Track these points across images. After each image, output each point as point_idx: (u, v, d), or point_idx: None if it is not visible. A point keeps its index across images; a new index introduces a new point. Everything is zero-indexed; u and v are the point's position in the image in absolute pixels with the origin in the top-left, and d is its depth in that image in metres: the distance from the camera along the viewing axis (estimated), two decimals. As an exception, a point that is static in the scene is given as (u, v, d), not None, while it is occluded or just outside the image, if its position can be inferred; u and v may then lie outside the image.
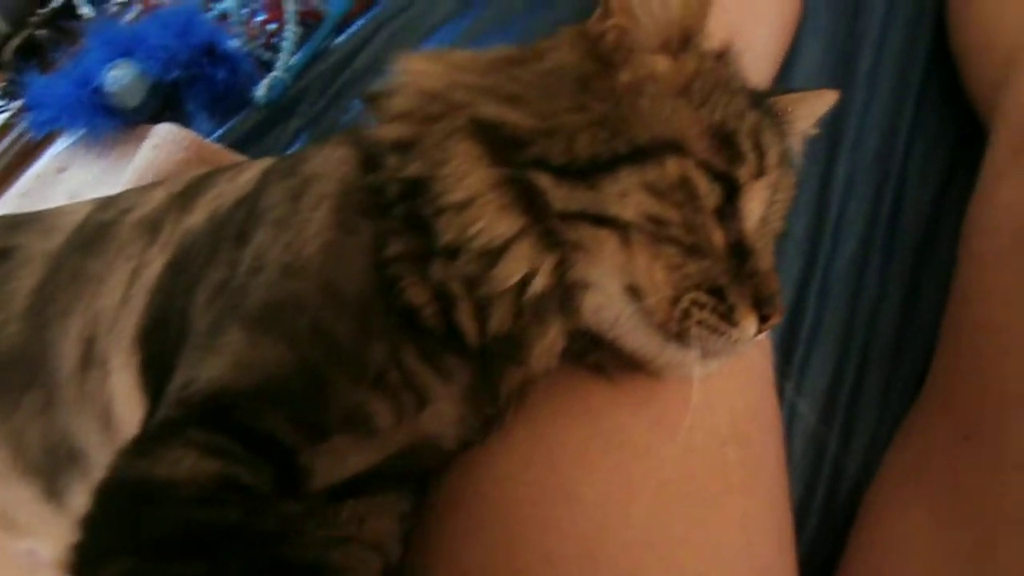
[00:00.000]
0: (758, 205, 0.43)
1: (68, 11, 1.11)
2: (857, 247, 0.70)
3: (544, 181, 0.40)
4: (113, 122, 0.91)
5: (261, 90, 0.87)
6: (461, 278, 0.41)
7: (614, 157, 0.40)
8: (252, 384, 0.39)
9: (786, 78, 0.77)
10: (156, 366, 0.44)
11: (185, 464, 0.36)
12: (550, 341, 0.43)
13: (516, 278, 0.41)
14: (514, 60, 0.45)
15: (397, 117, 0.44)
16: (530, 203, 0.41)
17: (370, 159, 0.45)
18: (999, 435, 0.50)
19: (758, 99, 0.47)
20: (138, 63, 0.89)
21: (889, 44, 0.78)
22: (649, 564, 0.45)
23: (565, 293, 0.42)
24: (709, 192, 0.41)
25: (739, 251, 0.42)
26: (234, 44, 0.93)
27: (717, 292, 0.41)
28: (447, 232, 0.41)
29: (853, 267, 0.70)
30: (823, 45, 0.78)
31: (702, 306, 0.41)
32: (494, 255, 0.41)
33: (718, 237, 0.42)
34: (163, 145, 0.84)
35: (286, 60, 0.89)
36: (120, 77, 0.88)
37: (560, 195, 0.40)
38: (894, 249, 0.70)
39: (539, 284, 0.41)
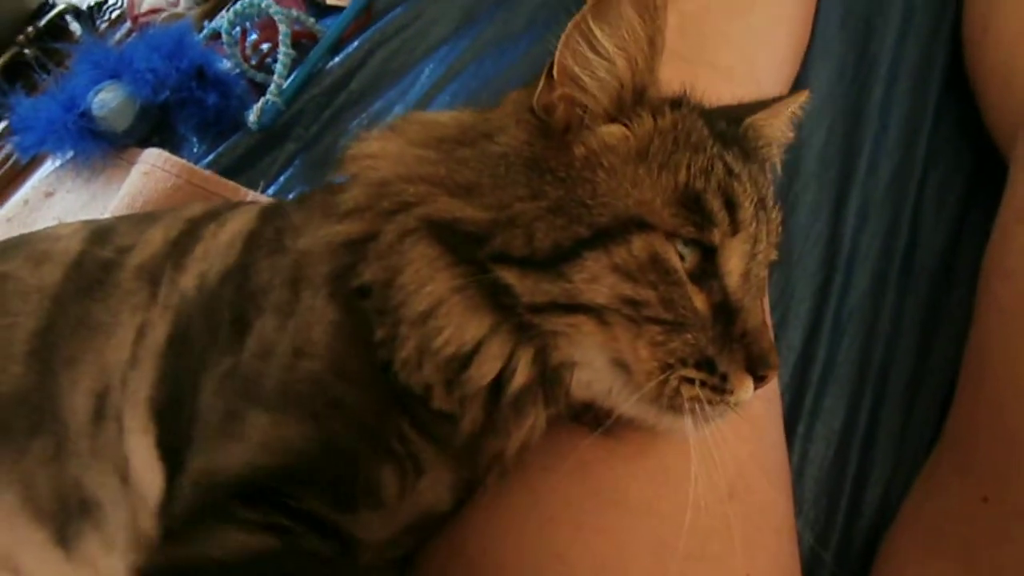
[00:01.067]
0: (738, 262, 0.41)
1: (56, 31, 1.09)
2: (871, 283, 0.68)
3: (509, 275, 0.39)
4: (101, 146, 0.89)
5: (253, 114, 0.85)
6: (431, 383, 0.41)
7: (577, 242, 0.38)
8: (283, 463, 0.40)
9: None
10: (172, 439, 0.45)
11: (236, 540, 0.36)
12: (529, 427, 0.42)
13: (490, 377, 0.40)
14: (465, 138, 0.43)
15: (349, 213, 0.43)
16: (496, 300, 0.39)
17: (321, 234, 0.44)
18: (1021, 498, 0.47)
19: (729, 130, 0.45)
20: (126, 85, 0.87)
21: (902, 70, 0.76)
22: None
23: (549, 377, 0.41)
24: (683, 260, 0.39)
25: (724, 311, 0.41)
26: (226, 66, 0.91)
27: (707, 363, 0.39)
28: (407, 345, 0.40)
29: (867, 303, 0.67)
30: (834, 71, 0.76)
31: (690, 382, 0.39)
32: (465, 359, 0.40)
33: (700, 301, 0.40)
34: (152, 171, 0.82)
35: (279, 83, 0.86)
36: (108, 100, 0.86)
37: (527, 288, 0.39)
38: (909, 284, 0.68)
39: (520, 379, 0.40)
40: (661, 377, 0.39)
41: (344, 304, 0.42)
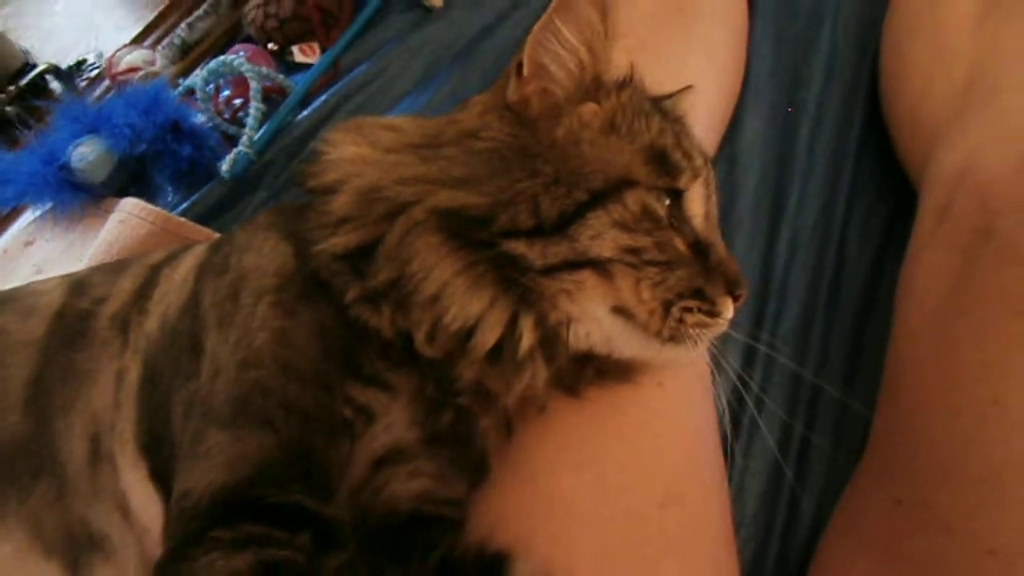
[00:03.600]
0: (699, 204, 0.48)
1: (37, 89, 1.14)
2: (801, 312, 0.73)
3: (519, 246, 0.44)
4: (79, 197, 0.92)
5: (226, 164, 0.89)
6: (442, 354, 0.45)
7: (579, 206, 0.44)
8: (248, 475, 0.42)
9: (730, 150, 0.80)
10: (162, 471, 0.47)
11: (219, 565, 0.38)
12: (528, 381, 0.47)
13: (491, 344, 0.45)
14: (442, 140, 0.47)
15: (342, 222, 0.46)
16: (498, 272, 0.44)
17: (305, 252, 0.47)
18: (928, 499, 0.52)
19: (661, 109, 0.51)
20: (104, 139, 0.91)
21: (827, 115, 0.82)
22: None
23: (549, 336, 0.46)
24: (663, 209, 0.46)
25: (699, 249, 0.47)
26: (199, 119, 0.95)
27: (698, 293, 0.46)
28: (422, 327, 0.45)
29: (798, 331, 0.72)
30: (765, 120, 0.82)
31: (691, 310, 0.45)
32: (470, 331, 0.44)
33: (680, 243, 0.46)
34: (128, 219, 0.85)
35: (251, 135, 0.91)
36: (87, 154, 0.90)
37: (537, 253, 0.44)
38: (836, 313, 0.73)
39: (528, 340, 0.45)
40: (663, 313, 0.45)
41: (288, 310, 0.46)
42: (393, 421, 0.48)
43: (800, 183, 0.79)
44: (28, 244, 0.95)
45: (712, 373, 0.66)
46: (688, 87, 0.58)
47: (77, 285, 0.57)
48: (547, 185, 0.44)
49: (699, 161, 0.49)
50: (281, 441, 0.43)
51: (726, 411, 0.60)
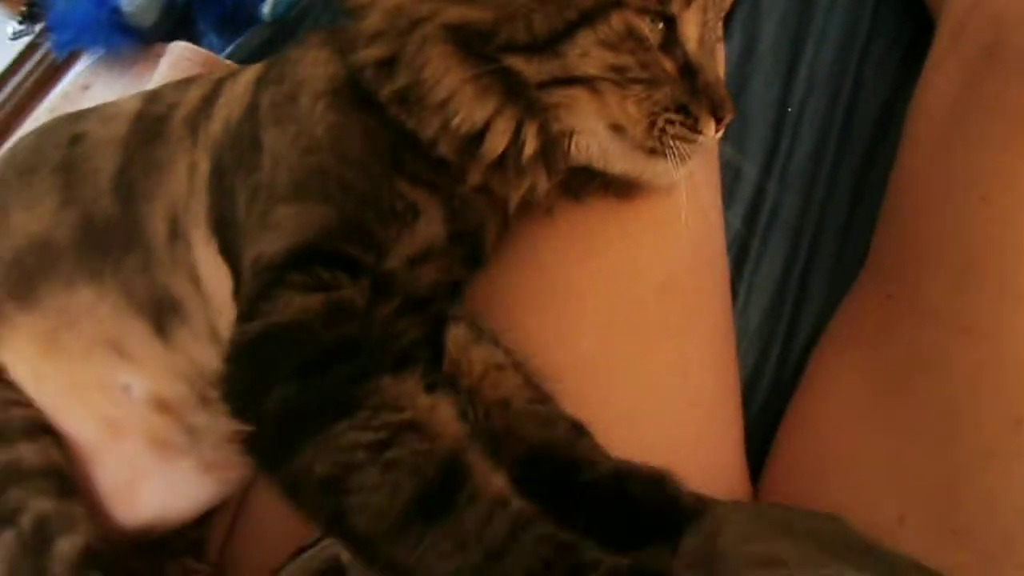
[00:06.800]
0: (695, 29, 0.51)
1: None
2: (814, 145, 0.77)
3: (516, 61, 0.48)
4: (130, 41, 0.97)
5: (267, 7, 0.93)
6: (451, 155, 0.50)
7: (568, 25, 0.47)
8: (315, 236, 0.48)
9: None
10: (230, 247, 0.54)
11: (295, 304, 0.44)
12: (530, 186, 0.52)
13: (501, 149, 0.50)
14: None
15: (373, 37, 0.51)
16: (504, 85, 0.49)
17: (350, 62, 0.52)
18: (914, 288, 0.57)
19: None
20: (151, -17, 0.95)
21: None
22: (590, 391, 0.53)
23: (550, 145, 0.51)
24: (652, 32, 0.49)
25: (689, 71, 0.50)
26: (241, -37, 0.98)
27: (682, 109, 0.50)
28: (432, 126, 0.49)
29: (809, 163, 0.76)
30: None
31: (672, 122, 0.50)
32: (478, 135, 0.49)
33: (668, 64, 0.50)
34: (179, 62, 0.90)
35: (291, -23, 0.95)
36: (135, -3, 0.94)
37: (532, 69, 0.48)
38: (848, 140, 0.77)
39: (530, 147, 0.50)
40: (649, 126, 0.49)
41: (341, 109, 0.51)
42: (433, 217, 0.54)
43: (821, 22, 0.81)
44: (86, 88, 1.01)
45: (723, 192, 0.71)
46: None
47: (152, 95, 0.64)
48: (542, 2, 0.47)
49: None
50: (340, 213, 0.49)
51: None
